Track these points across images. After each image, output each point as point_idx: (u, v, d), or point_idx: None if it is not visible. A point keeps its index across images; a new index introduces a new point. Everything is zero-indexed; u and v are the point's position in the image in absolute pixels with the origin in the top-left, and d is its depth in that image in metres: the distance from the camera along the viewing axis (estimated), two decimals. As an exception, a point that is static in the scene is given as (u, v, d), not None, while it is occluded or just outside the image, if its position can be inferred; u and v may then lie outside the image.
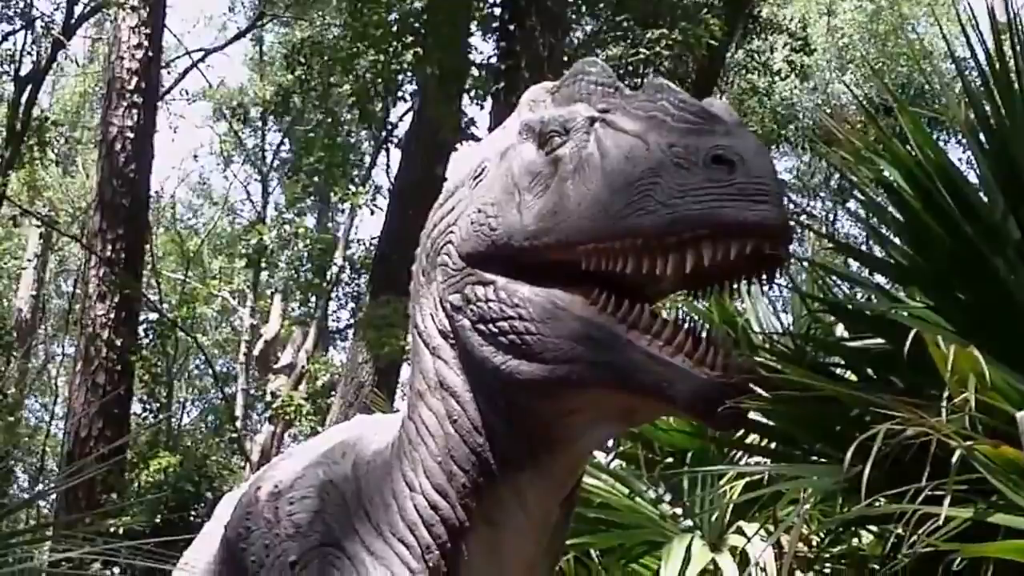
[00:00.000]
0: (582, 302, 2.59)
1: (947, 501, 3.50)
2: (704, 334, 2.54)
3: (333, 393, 19.78)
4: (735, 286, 2.61)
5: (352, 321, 26.49)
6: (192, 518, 13.45)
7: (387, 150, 25.73)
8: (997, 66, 4.50)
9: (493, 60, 15.42)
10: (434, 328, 2.92)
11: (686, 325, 2.54)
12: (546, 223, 2.63)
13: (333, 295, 27.40)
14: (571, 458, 2.85)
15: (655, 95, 2.60)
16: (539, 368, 2.62)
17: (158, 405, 19.99)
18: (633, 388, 2.54)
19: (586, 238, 2.54)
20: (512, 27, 14.40)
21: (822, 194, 29.22)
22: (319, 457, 3.26)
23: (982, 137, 4.59)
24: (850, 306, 4.99)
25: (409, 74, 15.63)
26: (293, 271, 26.42)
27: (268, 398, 24.78)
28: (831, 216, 28.35)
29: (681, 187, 2.39)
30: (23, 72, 20.17)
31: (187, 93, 29.26)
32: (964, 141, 5.23)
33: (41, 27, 20.34)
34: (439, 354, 2.90)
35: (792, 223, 2.49)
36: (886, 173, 4.72)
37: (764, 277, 2.53)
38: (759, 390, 2.62)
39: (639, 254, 2.47)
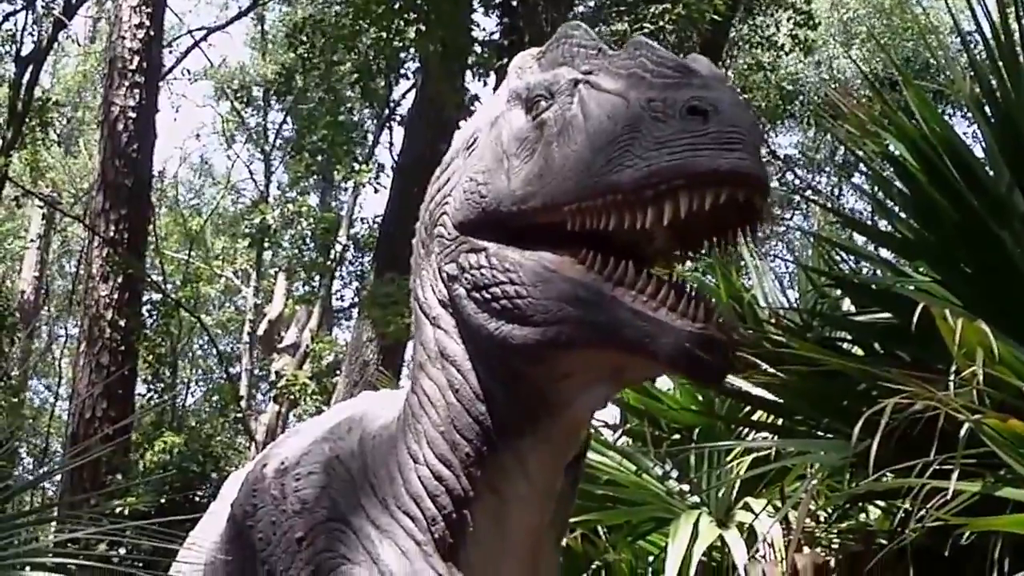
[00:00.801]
0: (571, 263, 2.60)
1: (955, 475, 3.50)
2: (688, 289, 2.54)
3: (338, 372, 19.79)
4: (725, 241, 2.60)
5: (356, 300, 26.51)
6: (197, 498, 13.42)
7: (390, 128, 25.69)
8: (1003, 39, 4.49)
9: (496, 36, 15.39)
10: (434, 299, 2.94)
11: (670, 280, 2.54)
12: (532, 187, 2.65)
13: (337, 274, 27.40)
14: (569, 422, 2.84)
15: (635, 53, 2.62)
16: (531, 332, 2.63)
17: (162, 386, 19.97)
18: (618, 345, 2.54)
19: (571, 198, 2.55)
20: (515, 2, 14.36)
21: (827, 169, 29.16)
22: (325, 433, 3.26)
23: (987, 110, 4.59)
24: (856, 280, 4.98)
25: (411, 51, 15.58)
26: (296, 250, 26.38)
27: (272, 378, 24.84)
28: (836, 191, 28.31)
29: (657, 140, 2.41)
30: (24, 52, 20.14)
31: (189, 72, 29.12)
32: (969, 115, 5.23)
33: (42, 7, 20.34)
34: (439, 324, 2.92)
35: (768, 170, 2.49)
36: (891, 147, 4.71)
37: (746, 228, 2.53)
38: (757, 361, 2.62)
39: (620, 209, 2.48)
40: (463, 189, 2.84)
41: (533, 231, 2.67)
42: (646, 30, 13.51)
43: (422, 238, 3.04)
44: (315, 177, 26.91)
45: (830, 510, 5.13)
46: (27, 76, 19.20)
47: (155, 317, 18.59)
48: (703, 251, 2.72)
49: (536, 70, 2.87)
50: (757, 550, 4.98)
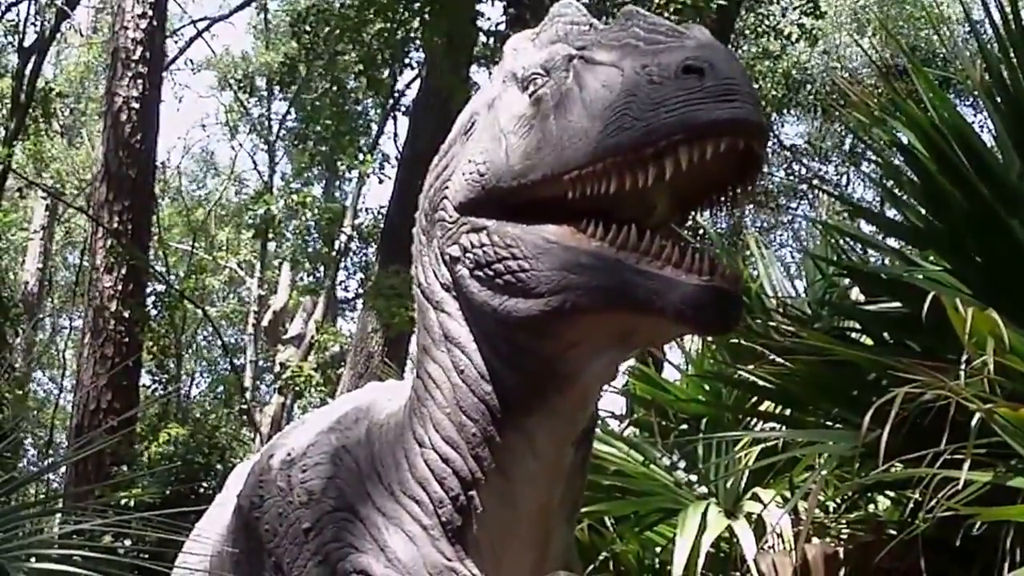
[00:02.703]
0: (571, 232, 2.63)
1: (966, 465, 3.49)
2: (691, 248, 2.55)
3: (342, 363, 19.78)
4: (725, 198, 2.62)
5: (361, 291, 26.48)
6: (202, 489, 13.42)
7: (394, 118, 25.71)
8: (1013, 27, 4.47)
9: (501, 26, 15.34)
10: (436, 283, 2.96)
11: (673, 241, 2.55)
12: (531, 160, 2.67)
13: (341, 265, 27.37)
14: (577, 393, 2.86)
15: (626, 23, 2.66)
16: (535, 303, 2.65)
17: (167, 377, 19.97)
18: (626, 305, 2.56)
19: (570, 167, 2.58)
20: (520, -8, 14.29)
21: (834, 158, 29.08)
22: (332, 423, 3.27)
23: (997, 98, 4.57)
24: (865, 269, 4.96)
25: (416, 41, 15.54)
26: (301, 241, 26.38)
27: (277, 369, 24.81)
28: (844, 180, 28.26)
29: (655, 101, 2.43)
30: (27, 43, 20.13)
31: (192, 62, 29.11)
32: (978, 103, 5.22)
33: (45, -3, 20.31)
34: (442, 307, 2.94)
35: (765, 123, 2.51)
36: (900, 135, 4.70)
37: (747, 179, 2.55)
38: (765, 351, 2.60)
39: (621, 171, 2.50)
40: (462, 172, 2.87)
41: (534, 206, 2.69)
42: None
43: (423, 225, 3.07)
44: (319, 167, 26.90)
45: (839, 500, 5.12)
46: (30, 67, 19.19)
47: (159, 308, 18.56)
48: (704, 211, 2.74)
49: (531, 50, 2.90)
50: (766, 541, 4.97)
